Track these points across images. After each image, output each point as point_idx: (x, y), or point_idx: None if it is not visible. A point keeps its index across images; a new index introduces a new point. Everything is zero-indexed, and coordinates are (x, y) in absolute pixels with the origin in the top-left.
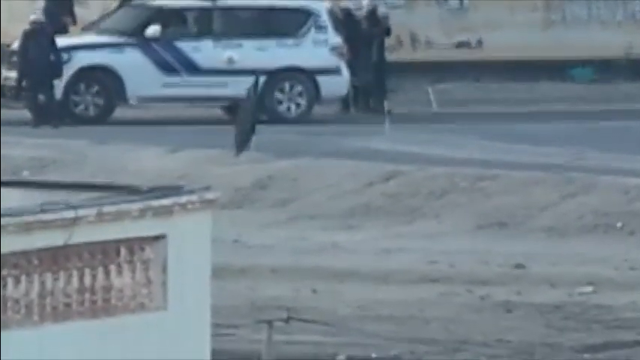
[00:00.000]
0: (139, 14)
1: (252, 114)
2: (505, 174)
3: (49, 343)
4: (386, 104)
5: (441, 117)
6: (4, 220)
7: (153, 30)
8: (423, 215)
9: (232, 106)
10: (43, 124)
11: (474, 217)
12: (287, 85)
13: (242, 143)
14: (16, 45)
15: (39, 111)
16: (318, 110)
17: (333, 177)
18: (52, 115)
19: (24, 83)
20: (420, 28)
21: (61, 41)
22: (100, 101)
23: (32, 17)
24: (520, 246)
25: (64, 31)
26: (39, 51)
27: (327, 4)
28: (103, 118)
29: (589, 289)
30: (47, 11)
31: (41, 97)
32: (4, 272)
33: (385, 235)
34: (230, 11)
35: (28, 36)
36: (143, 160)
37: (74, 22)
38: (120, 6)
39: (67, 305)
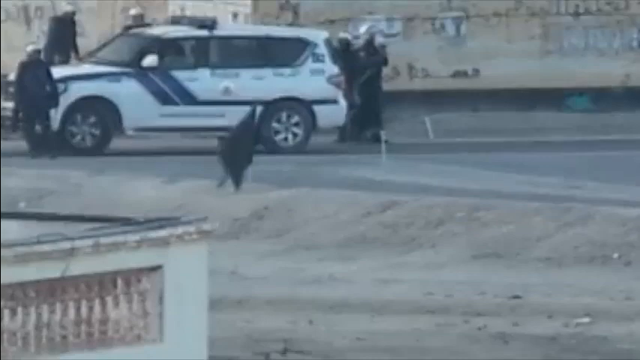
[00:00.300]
0: (136, 44)
1: (249, 144)
2: (502, 204)
3: None
4: (383, 134)
5: (438, 147)
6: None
7: (150, 60)
8: (419, 245)
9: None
10: (40, 154)
11: (470, 247)
12: (284, 115)
13: (239, 177)
14: (12, 76)
15: (36, 142)
16: (315, 140)
17: (330, 207)
18: (49, 145)
19: (20, 114)
20: (417, 57)
21: (58, 72)
22: (97, 132)
23: (29, 48)
24: (517, 276)
25: (67, 62)
26: (35, 82)
27: (324, 34)
28: (99, 148)
29: (586, 319)
30: (50, 42)
31: (38, 128)
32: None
33: (382, 265)
34: (227, 41)
35: (24, 67)
36: (140, 190)
37: (77, 53)
38: (117, 36)
39: (64, 337)
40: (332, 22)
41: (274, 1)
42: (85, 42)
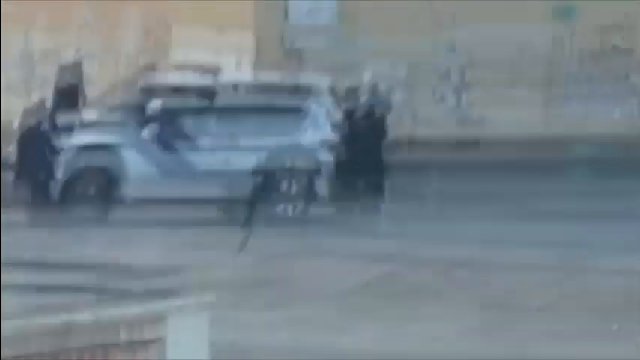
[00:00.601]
0: (140, 91)
1: (251, 213)
2: (503, 260)
3: None
4: (383, 201)
5: (439, 214)
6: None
7: (154, 106)
8: (419, 315)
9: (230, 207)
10: (38, 224)
11: (470, 317)
12: (284, 185)
13: (244, 241)
14: (16, 124)
15: (36, 199)
16: (314, 210)
17: (330, 277)
18: (50, 215)
19: (23, 163)
20: (420, 105)
21: (61, 120)
22: (96, 202)
23: (32, 96)
24: (519, 329)
25: (74, 107)
26: (38, 129)
27: (329, 102)
28: (99, 219)
29: None
30: (57, 91)
31: (39, 180)
32: None
33: (383, 335)
34: (227, 111)
35: (28, 114)
36: (139, 261)
37: (85, 99)
38: (120, 84)
39: None
40: (336, 68)
41: (278, 47)
42: (88, 90)
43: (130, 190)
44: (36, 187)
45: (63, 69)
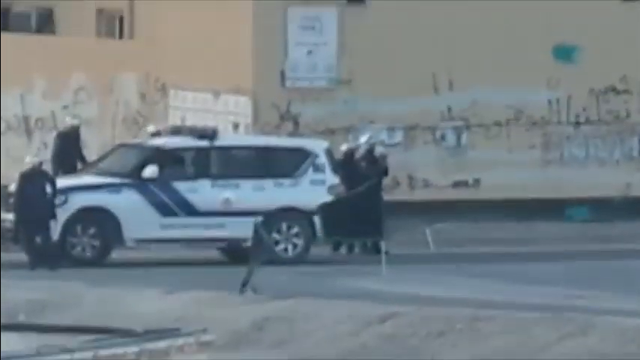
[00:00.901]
0: (137, 155)
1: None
2: (503, 314)
3: None
4: (383, 244)
5: (439, 257)
6: None
7: (150, 171)
8: (420, 357)
9: (230, 248)
10: (39, 266)
11: (471, 357)
12: (284, 226)
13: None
14: (13, 187)
15: (36, 253)
16: (314, 251)
17: (330, 318)
18: (49, 257)
19: (20, 225)
20: (417, 167)
21: (58, 182)
22: (97, 243)
23: (28, 159)
24: None
25: (73, 172)
26: (36, 193)
27: (325, 144)
28: (99, 259)
29: None
30: (55, 157)
31: (38, 239)
32: None
33: None
34: (227, 151)
35: (25, 178)
36: (140, 302)
37: (84, 163)
38: (117, 147)
39: None
40: (332, 131)
41: (275, 110)
42: (85, 152)
43: (129, 230)
44: (36, 228)
45: (60, 136)
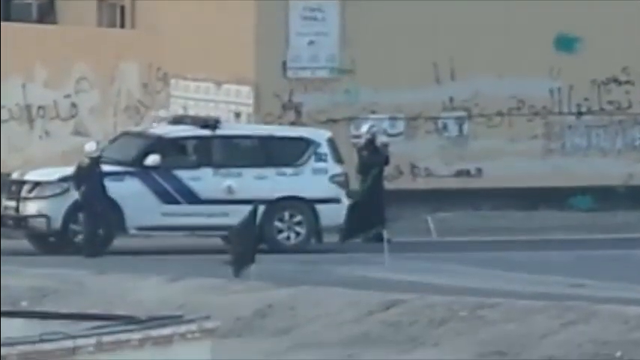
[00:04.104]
0: (139, 143)
1: (252, 243)
2: (504, 302)
3: None
4: (385, 233)
5: (441, 246)
6: (4, 350)
7: (152, 159)
8: (422, 344)
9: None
10: (94, 254)
11: (473, 345)
12: (286, 214)
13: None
14: (15, 175)
15: (96, 242)
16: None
17: (333, 306)
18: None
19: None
20: (419, 156)
21: (60, 171)
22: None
23: (88, 147)
24: None
25: None
26: (94, 185)
27: (327, 133)
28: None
29: None
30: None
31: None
32: None
33: None
34: (229, 140)
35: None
36: (143, 289)
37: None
38: (120, 135)
39: None
40: (334, 121)
41: (277, 100)
42: (87, 141)
43: (131, 218)
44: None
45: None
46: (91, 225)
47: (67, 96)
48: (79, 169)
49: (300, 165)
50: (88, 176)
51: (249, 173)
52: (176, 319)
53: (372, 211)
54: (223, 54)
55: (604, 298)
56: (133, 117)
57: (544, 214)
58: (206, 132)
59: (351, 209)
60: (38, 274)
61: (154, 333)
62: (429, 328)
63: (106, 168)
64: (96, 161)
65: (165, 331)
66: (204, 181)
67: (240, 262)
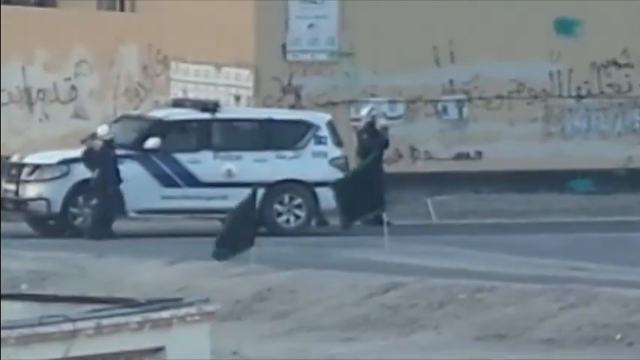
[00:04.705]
0: (139, 127)
1: (251, 226)
2: (504, 285)
3: None
4: (385, 216)
5: (440, 228)
6: (3, 333)
7: (152, 142)
8: (422, 327)
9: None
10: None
11: (473, 328)
12: (286, 197)
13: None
14: (14, 158)
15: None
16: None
17: (332, 289)
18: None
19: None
20: (419, 140)
21: (60, 154)
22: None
23: (100, 130)
24: (519, 358)
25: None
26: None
27: (327, 116)
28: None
29: None
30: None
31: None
32: None
33: (384, 346)
34: (229, 123)
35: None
36: (142, 272)
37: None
38: (119, 118)
39: None
40: (334, 104)
41: (276, 83)
42: (86, 124)
43: (131, 201)
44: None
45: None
46: (101, 207)
47: (67, 79)
48: (90, 152)
49: (300, 148)
50: (102, 159)
51: (249, 156)
52: (175, 302)
53: (372, 193)
54: (223, 37)
55: (603, 280)
56: (132, 100)
57: (543, 197)
58: (206, 115)
59: (342, 189)
60: (38, 257)
61: (154, 316)
62: (428, 311)
63: None
64: (109, 144)
65: (165, 314)
66: (204, 164)
67: (228, 246)
